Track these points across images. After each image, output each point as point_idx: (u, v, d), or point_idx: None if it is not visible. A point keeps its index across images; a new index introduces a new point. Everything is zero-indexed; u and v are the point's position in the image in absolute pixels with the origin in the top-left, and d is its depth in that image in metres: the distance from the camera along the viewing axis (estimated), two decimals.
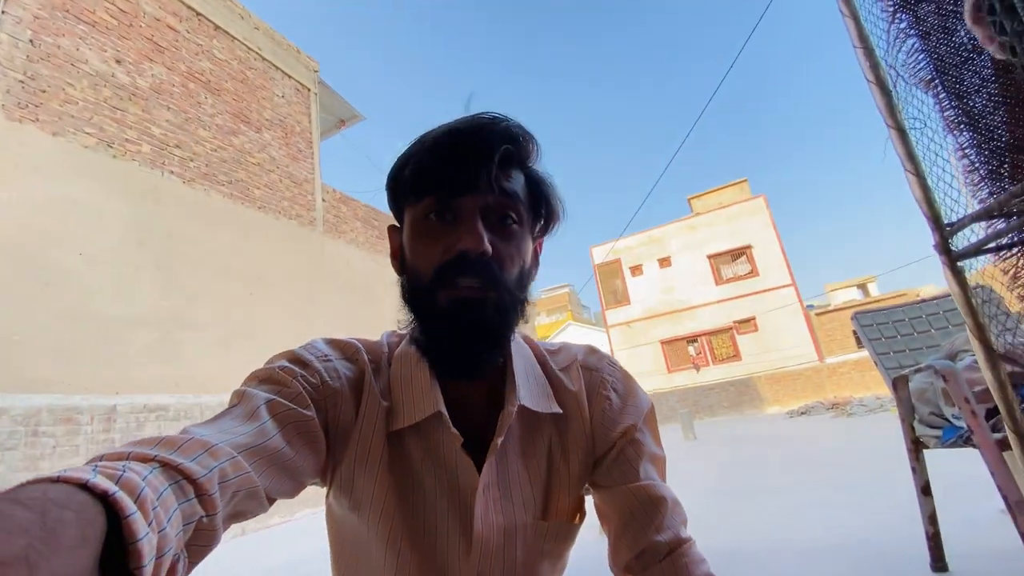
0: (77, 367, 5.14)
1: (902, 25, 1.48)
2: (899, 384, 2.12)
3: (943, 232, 1.42)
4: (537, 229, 0.62)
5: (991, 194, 1.34)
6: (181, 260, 6.49)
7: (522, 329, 0.62)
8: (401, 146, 0.59)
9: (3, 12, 5.26)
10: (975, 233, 1.36)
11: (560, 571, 0.66)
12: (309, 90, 9.72)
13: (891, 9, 1.50)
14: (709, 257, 21.14)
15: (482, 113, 0.55)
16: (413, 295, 0.57)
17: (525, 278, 0.58)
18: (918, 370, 2.00)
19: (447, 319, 0.53)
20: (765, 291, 19.85)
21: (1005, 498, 1.51)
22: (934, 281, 21.30)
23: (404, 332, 0.62)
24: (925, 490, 2.05)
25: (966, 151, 1.39)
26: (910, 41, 1.47)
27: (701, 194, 23.03)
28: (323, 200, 9.35)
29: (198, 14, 7.66)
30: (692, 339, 20.96)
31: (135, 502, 0.27)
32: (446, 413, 0.56)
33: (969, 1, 1.06)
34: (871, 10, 1.57)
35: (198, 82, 7.43)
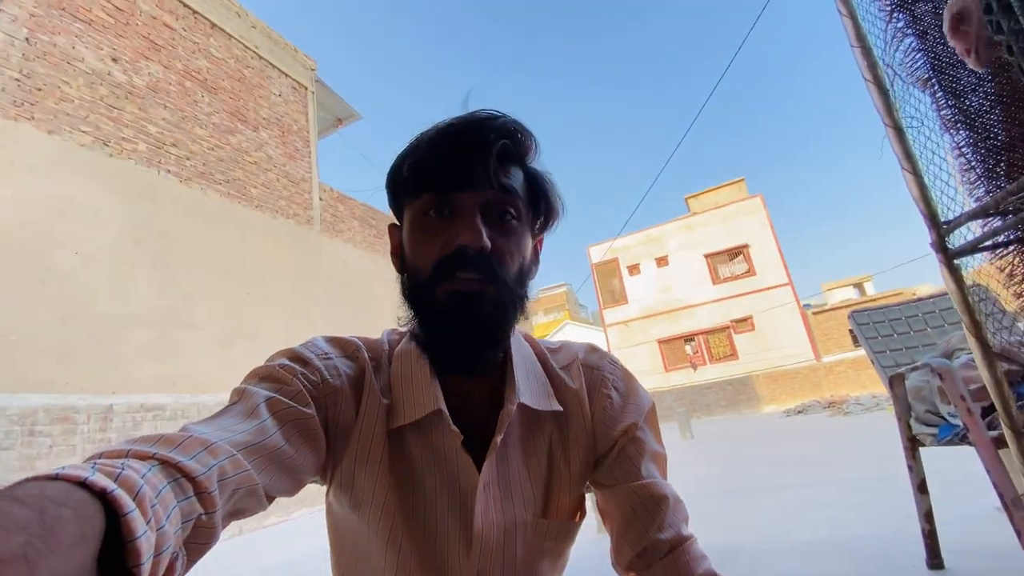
0: (73, 366, 5.12)
1: (899, 24, 1.48)
2: (895, 382, 2.13)
3: (940, 230, 1.42)
4: (537, 226, 0.62)
5: (987, 192, 1.35)
6: (178, 259, 6.47)
7: (520, 327, 0.62)
8: (400, 146, 0.59)
9: None
10: (971, 231, 1.36)
11: (560, 569, 0.66)
12: (306, 89, 9.70)
13: (888, 8, 1.50)
14: (706, 256, 21.17)
15: (480, 110, 0.56)
16: (413, 291, 0.57)
17: (525, 274, 0.58)
18: (914, 368, 2.01)
19: (446, 314, 0.53)
20: (762, 290, 19.90)
21: (1001, 495, 1.52)
22: (930, 280, 21.42)
23: (405, 330, 0.62)
24: (921, 488, 2.06)
25: (962, 149, 1.39)
26: (907, 40, 1.47)
27: (698, 193, 23.06)
28: (320, 199, 9.34)
29: (195, 12, 7.63)
30: (689, 338, 21.00)
31: (134, 500, 0.27)
32: (446, 410, 0.56)
33: (948, 14, 1.06)
34: (868, 9, 1.57)
35: (195, 80, 7.40)
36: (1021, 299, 1.35)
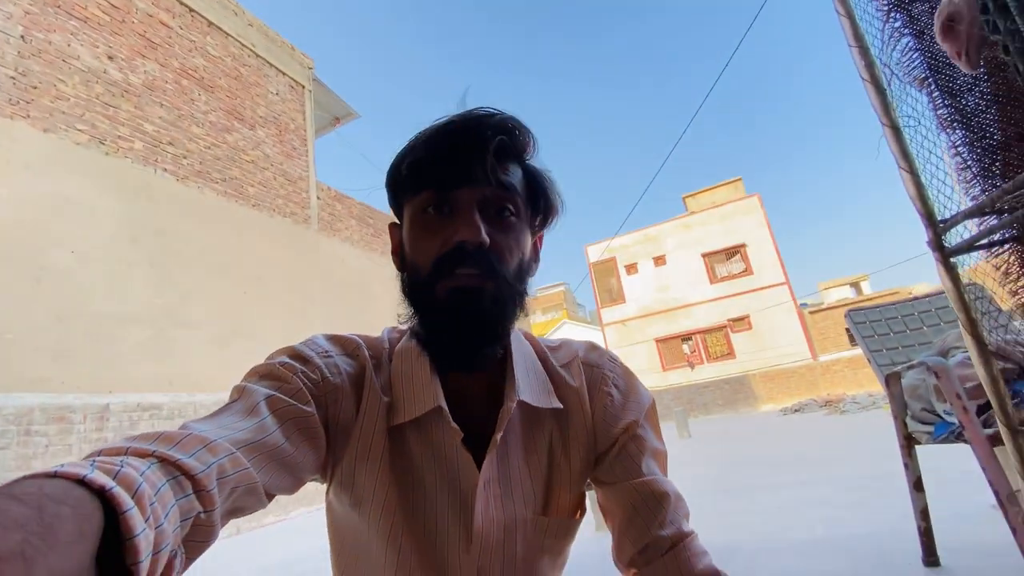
0: (69, 365, 5.11)
1: (896, 24, 1.48)
2: (892, 381, 2.13)
3: (936, 229, 1.43)
4: (536, 223, 0.62)
5: (983, 191, 1.35)
6: (174, 258, 6.45)
7: (519, 325, 0.62)
8: (399, 145, 0.60)
9: None
10: (968, 230, 1.37)
11: (560, 566, 0.66)
12: (303, 87, 9.68)
13: (886, 8, 1.51)
14: (704, 256, 21.21)
15: (478, 108, 0.56)
16: (413, 288, 0.57)
17: (524, 270, 0.58)
18: (910, 367, 2.01)
19: (446, 311, 0.53)
20: (759, 289, 19.95)
21: (996, 493, 1.53)
22: (926, 279, 21.51)
23: (405, 328, 0.62)
24: (917, 485, 2.07)
25: (959, 149, 1.39)
26: (904, 40, 1.47)
27: (695, 193, 23.09)
28: (318, 198, 9.32)
29: (191, 10, 7.60)
30: (687, 337, 21.04)
31: (132, 497, 0.27)
32: (446, 408, 0.56)
33: (939, 17, 1.07)
34: (866, 9, 1.58)
35: (191, 79, 7.38)
36: (1017, 297, 1.36)
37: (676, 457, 7.36)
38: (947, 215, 1.42)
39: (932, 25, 1.31)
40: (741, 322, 20.10)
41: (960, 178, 1.41)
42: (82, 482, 0.26)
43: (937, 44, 1.24)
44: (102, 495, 0.26)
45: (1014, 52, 0.95)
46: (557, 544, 0.63)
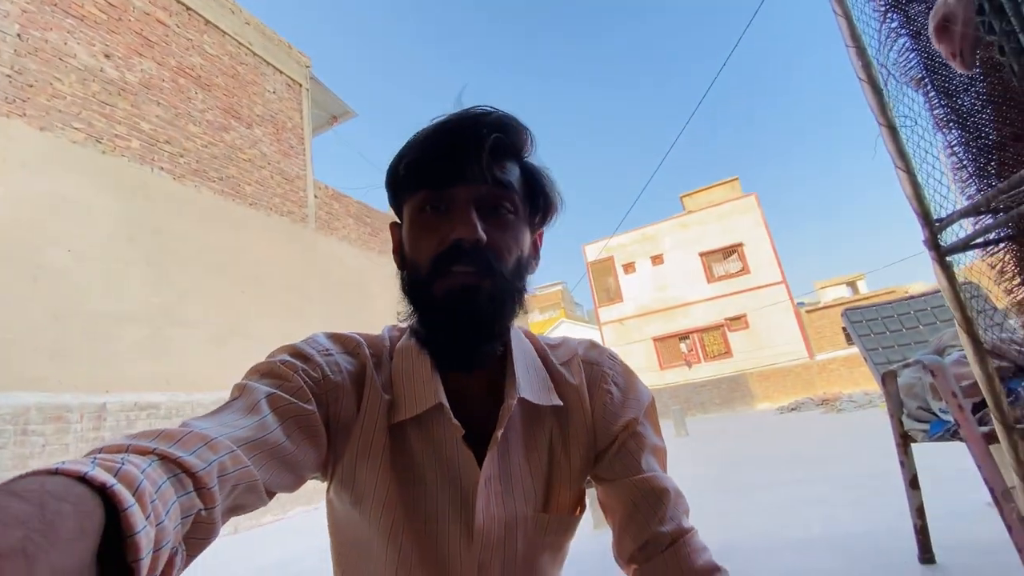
0: (66, 364, 5.09)
1: (893, 24, 1.49)
2: (888, 379, 2.14)
3: (932, 228, 1.43)
4: (536, 220, 0.62)
5: (979, 190, 1.36)
6: (171, 256, 6.43)
7: (518, 323, 0.62)
8: (398, 144, 0.60)
9: None
10: (963, 229, 1.38)
11: (560, 563, 0.66)
12: (301, 86, 9.66)
13: (883, 9, 1.51)
14: (701, 255, 21.23)
15: (474, 107, 0.56)
16: (412, 287, 0.58)
17: (522, 268, 0.58)
18: (906, 365, 2.02)
19: (443, 310, 0.54)
20: (756, 288, 19.98)
21: (991, 490, 1.54)
22: (922, 278, 21.54)
23: (405, 326, 0.62)
24: (913, 483, 2.08)
25: (955, 148, 1.40)
26: (901, 40, 1.48)
27: (693, 192, 23.11)
28: (315, 197, 9.31)
29: (188, 8, 7.58)
30: (684, 336, 21.07)
31: (133, 495, 0.27)
32: (447, 405, 0.56)
33: (933, 19, 1.07)
34: (863, 9, 1.58)
35: (188, 77, 7.35)
36: (1012, 296, 1.36)
37: (673, 456, 7.31)
38: (943, 214, 1.43)
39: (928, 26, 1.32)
40: (738, 321, 20.13)
41: (956, 177, 1.41)
42: (83, 479, 0.26)
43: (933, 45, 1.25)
44: (103, 492, 0.26)
45: (1009, 53, 0.95)
46: (557, 541, 0.63)
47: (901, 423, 2.11)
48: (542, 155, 0.62)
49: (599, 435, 0.63)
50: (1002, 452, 1.36)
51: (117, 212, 5.95)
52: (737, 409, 18.27)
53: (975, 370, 1.36)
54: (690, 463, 6.45)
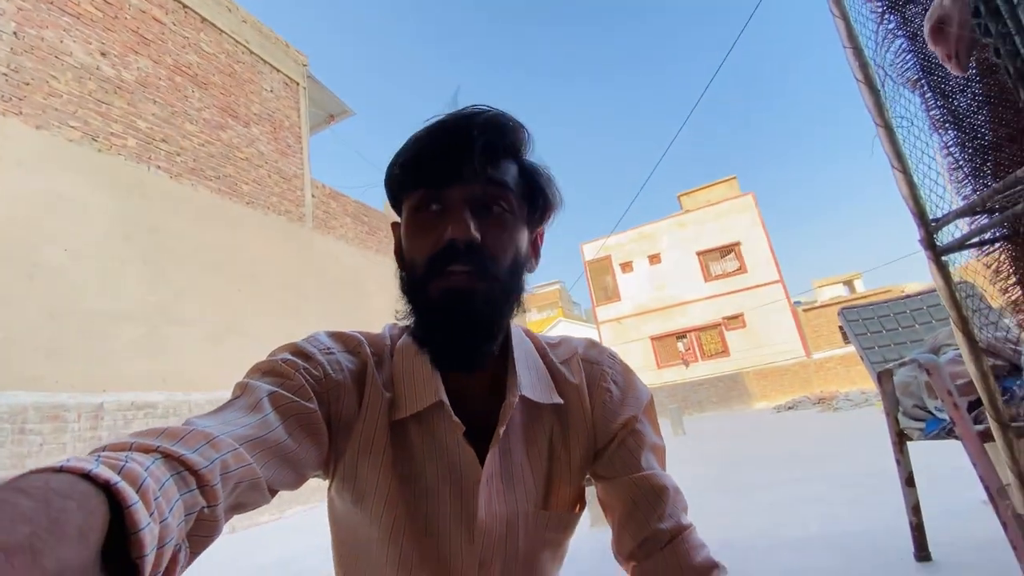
0: (63, 363, 5.07)
1: (890, 26, 1.50)
2: (884, 378, 2.16)
3: (928, 227, 1.44)
4: (534, 219, 0.62)
5: (974, 191, 1.37)
6: (168, 255, 6.41)
7: (516, 322, 0.63)
8: (396, 143, 0.60)
9: None
10: (959, 229, 1.39)
11: (560, 560, 0.66)
12: (298, 84, 9.63)
13: (880, 10, 1.52)
14: (698, 254, 21.27)
15: (469, 106, 0.56)
16: (410, 287, 0.58)
17: (520, 267, 0.58)
18: (902, 364, 2.03)
19: (439, 311, 0.54)
20: (753, 287, 20.03)
21: (987, 488, 1.55)
22: (919, 278, 21.61)
23: (406, 324, 0.63)
24: (909, 481, 2.09)
25: (951, 149, 1.41)
26: (898, 41, 1.49)
27: (690, 191, 23.14)
28: (312, 196, 9.28)
29: (185, 6, 7.55)
30: (681, 335, 21.11)
31: (137, 492, 0.27)
32: (447, 402, 0.56)
33: (928, 20, 1.08)
34: (860, 11, 1.59)
35: (185, 76, 7.33)
36: (1007, 295, 1.37)
37: (671, 454, 7.31)
38: (939, 214, 1.44)
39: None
40: (735, 320, 20.18)
41: (952, 178, 1.42)
42: (87, 476, 0.26)
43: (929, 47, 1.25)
44: (107, 489, 0.26)
45: (1005, 55, 0.96)
46: (557, 537, 0.63)
47: (897, 421, 2.12)
48: (541, 154, 0.61)
49: (599, 433, 0.63)
50: (997, 450, 1.37)
51: (113, 210, 5.93)
52: (734, 408, 18.32)
53: (970, 369, 1.37)
54: (688, 462, 6.46)
